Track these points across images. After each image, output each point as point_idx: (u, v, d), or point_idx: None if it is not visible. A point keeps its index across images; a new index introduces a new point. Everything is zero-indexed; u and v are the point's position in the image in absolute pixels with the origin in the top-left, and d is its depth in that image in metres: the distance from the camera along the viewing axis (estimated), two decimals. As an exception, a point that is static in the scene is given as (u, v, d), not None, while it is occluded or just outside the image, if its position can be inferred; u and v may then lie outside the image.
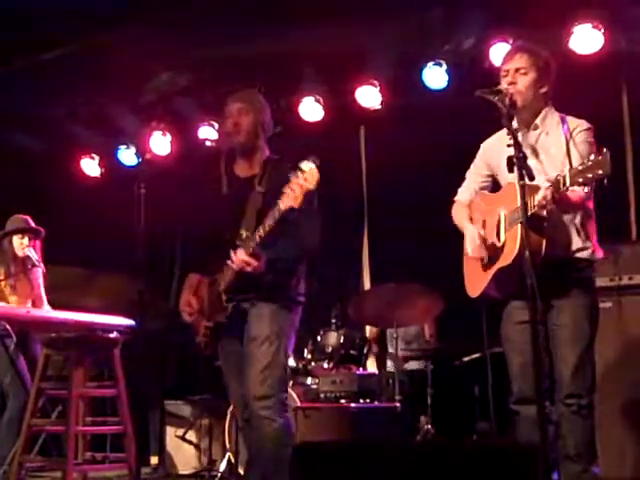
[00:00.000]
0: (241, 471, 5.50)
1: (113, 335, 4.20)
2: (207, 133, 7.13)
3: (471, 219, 3.63)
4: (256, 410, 3.53)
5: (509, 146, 3.08)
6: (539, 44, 3.62)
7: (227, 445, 5.83)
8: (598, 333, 3.41)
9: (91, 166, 7.70)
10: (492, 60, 5.82)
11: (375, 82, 6.51)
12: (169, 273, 8.07)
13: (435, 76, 6.18)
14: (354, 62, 6.41)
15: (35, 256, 5.53)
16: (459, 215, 3.71)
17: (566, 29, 5.58)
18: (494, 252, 3.41)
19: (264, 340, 3.57)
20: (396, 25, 5.88)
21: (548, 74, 3.51)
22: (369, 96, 6.55)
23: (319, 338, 5.91)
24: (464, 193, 3.77)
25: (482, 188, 3.70)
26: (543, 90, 3.50)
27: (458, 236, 6.16)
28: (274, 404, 3.53)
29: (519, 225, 3.13)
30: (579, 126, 3.44)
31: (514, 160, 3.05)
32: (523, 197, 3.02)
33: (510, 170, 3.09)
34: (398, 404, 5.43)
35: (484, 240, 3.50)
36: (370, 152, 7.08)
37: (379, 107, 6.55)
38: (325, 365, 5.80)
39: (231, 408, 5.78)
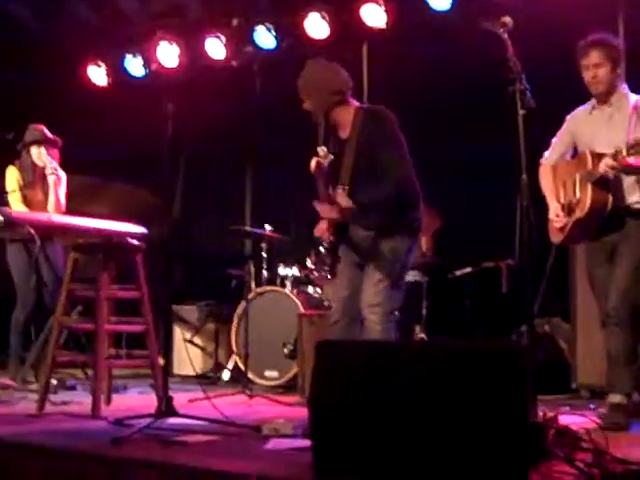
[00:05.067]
0: (249, 374, 5.82)
1: (136, 242, 4.42)
2: (214, 45, 7.24)
3: (555, 178, 4.30)
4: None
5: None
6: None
7: (234, 348, 6.13)
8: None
9: (98, 74, 7.78)
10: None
11: (380, 0, 6.59)
12: (172, 183, 8.24)
13: (440, -4, 6.26)
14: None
15: (53, 164, 5.70)
16: (545, 184, 4.33)
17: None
18: (572, 206, 4.12)
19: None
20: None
21: (619, 59, 4.09)
22: (374, 15, 6.63)
23: (321, 249, 6.15)
24: (549, 158, 4.37)
25: (565, 152, 4.33)
26: (618, 73, 4.08)
27: (458, 157, 6.34)
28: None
29: (589, 185, 3.95)
30: None
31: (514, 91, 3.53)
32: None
33: None
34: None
35: (564, 200, 4.19)
36: (372, 71, 7.16)
37: (383, 26, 6.64)
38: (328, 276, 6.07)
39: (238, 311, 6.10)
